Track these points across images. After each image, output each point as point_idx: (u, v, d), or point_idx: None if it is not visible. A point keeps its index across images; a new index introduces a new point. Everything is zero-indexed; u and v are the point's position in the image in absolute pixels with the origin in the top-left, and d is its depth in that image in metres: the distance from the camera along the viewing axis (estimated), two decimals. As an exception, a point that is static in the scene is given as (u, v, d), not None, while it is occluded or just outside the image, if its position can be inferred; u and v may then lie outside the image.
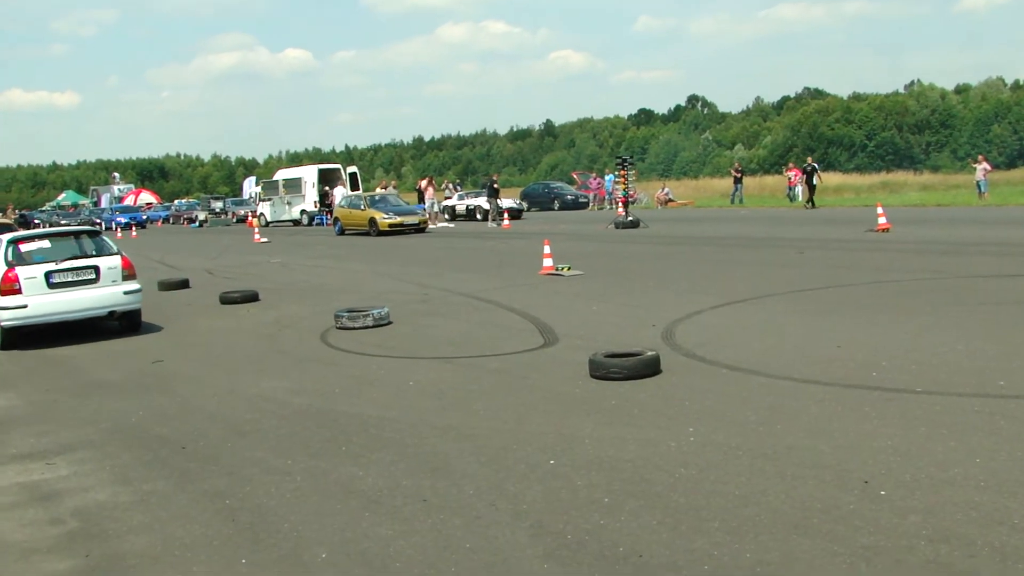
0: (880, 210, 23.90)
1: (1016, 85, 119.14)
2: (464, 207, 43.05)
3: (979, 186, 38.00)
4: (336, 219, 36.39)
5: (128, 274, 12.80)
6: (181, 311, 14.74)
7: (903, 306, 11.40)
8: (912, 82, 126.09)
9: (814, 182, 38.11)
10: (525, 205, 45.28)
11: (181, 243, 37.85)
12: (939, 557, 4.14)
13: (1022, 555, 4.11)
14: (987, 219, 26.35)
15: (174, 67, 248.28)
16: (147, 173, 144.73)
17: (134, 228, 53.40)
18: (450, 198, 49.76)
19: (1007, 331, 9.36)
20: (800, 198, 43.56)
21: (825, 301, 12.18)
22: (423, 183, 43.12)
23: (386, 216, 33.35)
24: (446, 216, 43.44)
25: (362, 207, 34.73)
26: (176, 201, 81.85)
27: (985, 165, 39.09)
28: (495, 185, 39.10)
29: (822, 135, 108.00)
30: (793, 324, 10.58)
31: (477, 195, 43.94)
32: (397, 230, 32.88)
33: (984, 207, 33.21)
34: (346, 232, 34.76)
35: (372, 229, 33.14)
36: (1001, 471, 5.19)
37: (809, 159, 41.85)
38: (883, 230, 22.46)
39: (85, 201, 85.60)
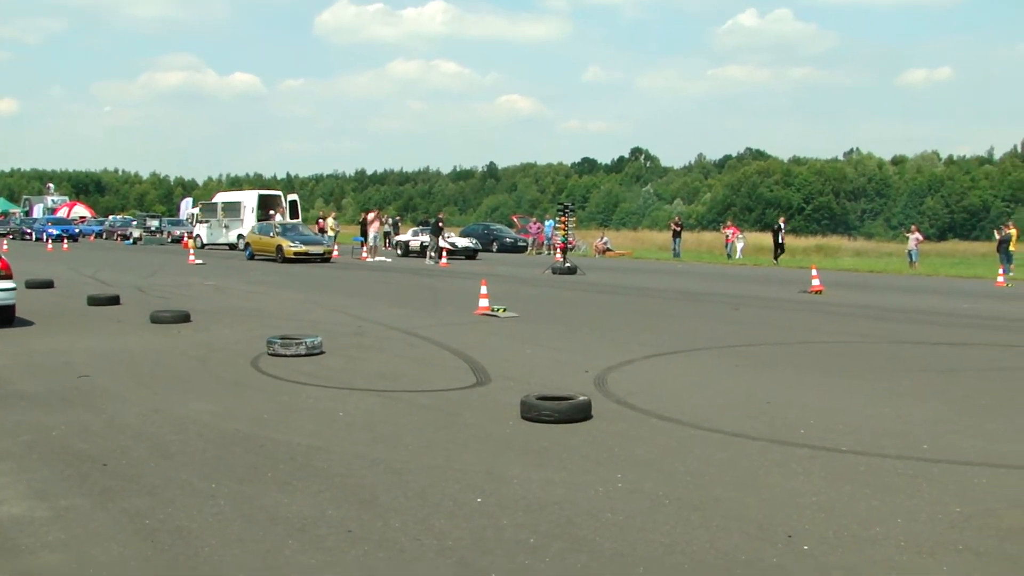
0: (814, 272, 24.31)
1: (950, 160, 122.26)
2: (418, 243, 42.96)
3: (910, 255, 38.93)
4: (247, 244, 38.43)
5: (5, 274, 14.22)
6: (110, 328, 14.49)
7: (832, 367, 11.58)
8: (851, 150, 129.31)
9: (779, 240, 39.76)
10: (490, 246, 45.47)
11: (114, 259, 37.26)
12: (858, 614, 4.18)
13: (939, 616, 4.16)
14: (917, 288, 26.88)
15: (120, 82, 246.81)
16: (83, 186, 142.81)
17: (65, 241, 52.50)
18: (389, 234, 49.97)
19: (931, 397, 9.54)
20: (739, 255, 44.90)
21: (757, 357, 12.32)
22: (370, 216, 43.07)
23: (292, 244, 35.25)
24: (398, 251, 43.56)
25: (271, 234, 36.57)
26: (111, 216, 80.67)
27: (917, 235, 40.10)
28: (440, 223, 39.24)
29: (761, 196, 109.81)
30: (725, 378, 10.68)
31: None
32: (302, 258, 34.69)
33: (914, 276, 33.90)
34: (256, 257, 36.69)
35: (279, 256, 35.11)
36: (921, 532, 5.27)
37: (782, 220, 43.14)
38: (816, 292, 22.85)
39: (16, 210, 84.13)
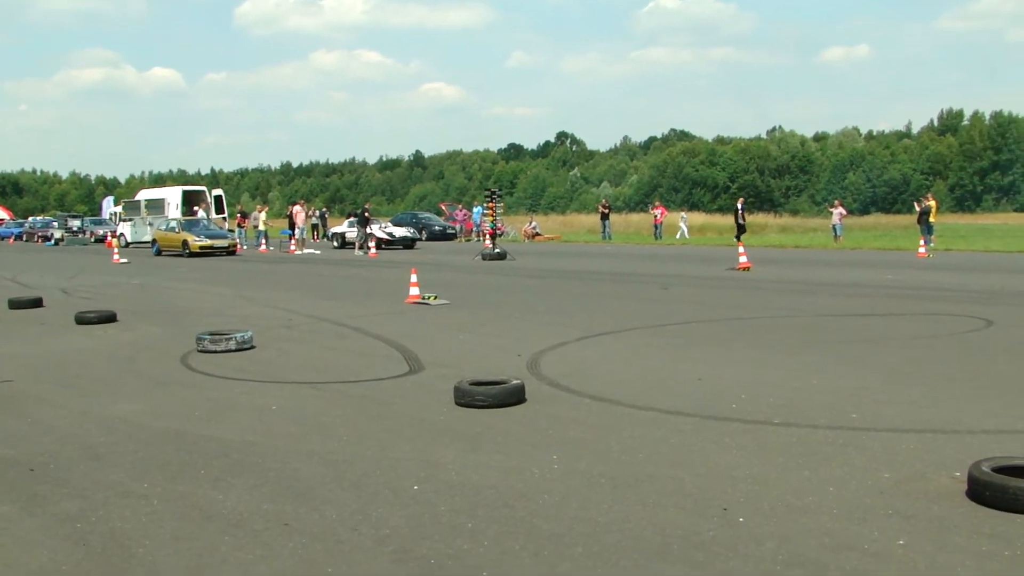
0: (741, 249, 24.61)
1: (870, 135, 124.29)
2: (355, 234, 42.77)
3: (835, 230, 39.57)
4: (154, 241, 39.63)
5: None
6: (33, 331, 14.20)
7: (761, 342, 11.72)
8: (774, 128, 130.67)
9: (740, 220, 40.13)
10: (419, 235, 45.10)
11: (35, 261, 36.54)
12: (793, 582, 4.24)
13: (871, 580, 4.24)
14: (841, 261, 27.35)
15: (34, 80, 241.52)
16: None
17: (-17, 244, 51.27)
18: (317, 226, 49.67)
19: (857, 367, 9.70)
20: (684, 236, 45.67)
21: (687, 335, 12.44)
22: (296, 208, 42.76)
23: (197, 239, 36.55)
24: (335, 243, 43.14)
25: (176, 230, 37.94)
26: (30, 218, 79.04)
27: (841, 210, 40.78)
28: (367, 214, 39.11)
29: (687, 176, 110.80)
30: (656, 357, 10.77)
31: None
32: (207, 252, 35.98)
33: (839, 250, 34.49)
34: (163, 253, 37.86)
35: (185, 250, 36.28)
36: (852, 499, 5.36)
37: (740, 201, 43.50)
38: (744, 269, 23.13)
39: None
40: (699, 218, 66.21)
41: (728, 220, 58.18)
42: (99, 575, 4.62)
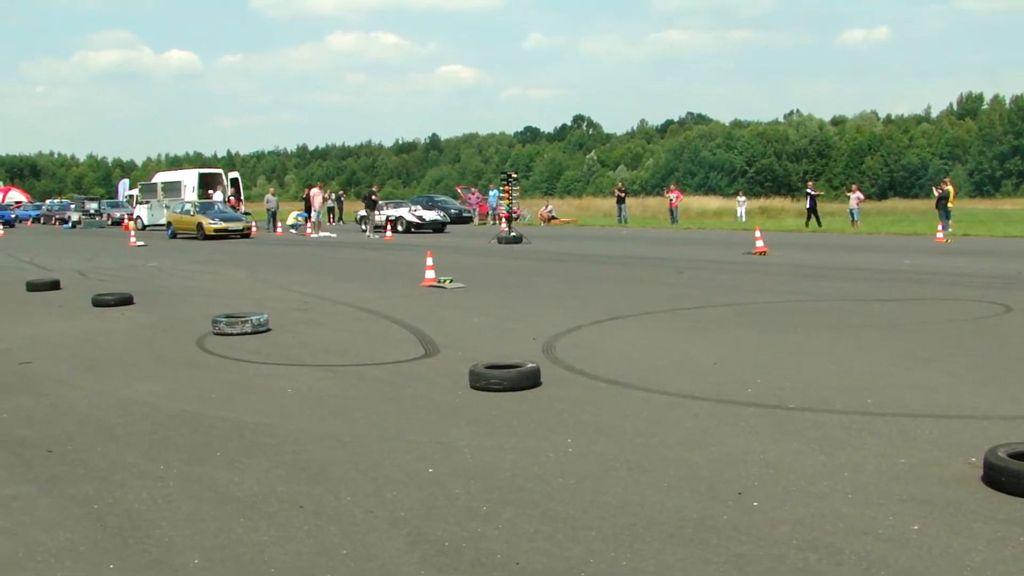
0: (758, 234, 24.53)
1: (888, 119, 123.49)
2: (382, 217, 42.67)
3: (852, 214, 39.33)
4: (169, 223, 39.60)
5: None
6: (51, 313, 14.26)
7: (777, 326, 11.70)
8: (792, 112, 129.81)
9: (813, 206, 39.78)
10: (448, 218, 44.46)
11: (52, 244, 36.69)
12: (808, 565, 4.24)
13: (885, 562, 4.24)
14: (858, 246, 27.25)
15: (51, 62, 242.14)
16: (17, 170, 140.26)
17: (1, 227, 51.42)
18: (333, 209, 49.70)
19: (874, 352, 9.67)
20: (743, 218, 45.99)
21: (702, 319, 12.42)
22: (313, 191, 42.70)
23: (212, 222, 36.58)
24: (362, 226, 43.01)
25: (191, 213, 37.82)
26: (48, 200, 79.24)
27: (858, 195, 40.55)
28: (373, 197, 39.16)
29: (704, 159, 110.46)
30: (671, 341, 10.75)
31: (396, 206, 43.32)
32: (222, 234, 35.97)
33: (856, 235, 34.36)
34: (178, 236, 37.70)
35: (199, 233, 36.34)
36: (867, 484, 5.35)
37: (811, 184, 43.17)
38: (760, 253, 23.07)
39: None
40: (715, 202, 66.07)
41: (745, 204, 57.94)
42: (116, 555, 4.64)
